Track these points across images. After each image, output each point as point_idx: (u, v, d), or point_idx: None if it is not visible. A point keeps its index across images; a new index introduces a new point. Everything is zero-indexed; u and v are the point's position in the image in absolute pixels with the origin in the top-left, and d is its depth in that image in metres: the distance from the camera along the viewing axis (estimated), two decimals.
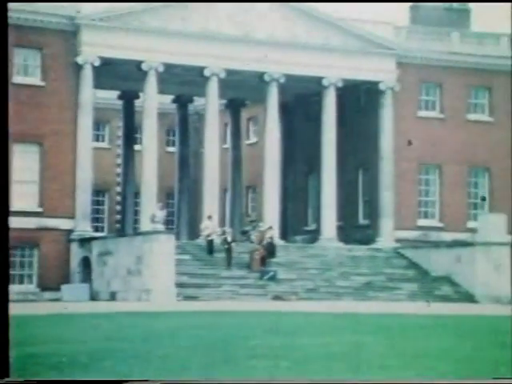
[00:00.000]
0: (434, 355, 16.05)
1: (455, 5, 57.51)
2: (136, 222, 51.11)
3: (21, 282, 46.00)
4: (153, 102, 48.95)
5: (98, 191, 55.75)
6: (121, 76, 49.72)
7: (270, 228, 47.11)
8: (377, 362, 14.77)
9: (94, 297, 43.90)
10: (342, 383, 7.59)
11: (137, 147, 53.47)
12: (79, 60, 47.06)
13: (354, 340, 19.04)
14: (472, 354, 16.38)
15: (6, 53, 10.31)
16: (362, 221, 53.39)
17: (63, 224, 46.73)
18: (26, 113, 46.15)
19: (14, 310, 32.73)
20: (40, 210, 46.71)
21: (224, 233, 46.83)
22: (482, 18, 59.54)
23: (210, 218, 47.61)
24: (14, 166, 46.50)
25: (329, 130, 50.75)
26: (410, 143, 50.68)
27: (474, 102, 54.53)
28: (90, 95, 47.81)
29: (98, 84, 48.31)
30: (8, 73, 11.15)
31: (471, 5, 58.29)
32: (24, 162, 46.65)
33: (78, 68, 47.16)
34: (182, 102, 56.06)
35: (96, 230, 51.63)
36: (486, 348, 17.81)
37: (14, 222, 45.93)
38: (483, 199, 51.78)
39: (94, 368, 13.35)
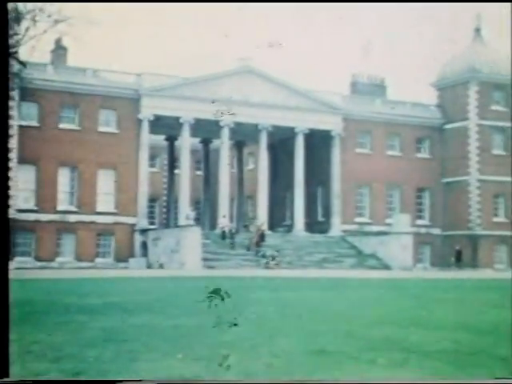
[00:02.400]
0: (367, 302, 16.20)
1: (378, 82, 57.79)
2: (176, 219, 51.08)
3: (103, 256, 46.06)
4: (187, 142, 49.05)
5: (152, 199, 55.69)
6: (166, 126, 49.71)
7: (262, 224, 47.28)
8: (330, 306, 14.90)
9: (149, 266, 43.92)
10: (342, 383, 6.47)
11: (176, 171, 53.50)
12: (140, 116, 47.13)
13: (316, 294, 19.18)
14: (389, 301, 16.58)
15: (7, 55, 7.89)
16: (320, 218, 53.41)
17: (130, 220, 46.72)
18: (106, 150, 46.38)
19: (99, 274, 32.82)
20: (115, 211, 46.68)
21: (231, 228, 47.05)
22: (396, 90, 60.05)
23: (224, 216, 47.76)
24: (98, 184, 46.75)
25: (299, 161, 50.92)
26: None
27: (391, 144, 54.64)
28: (147, 138, 47.83)
29: (152, 131, 48.29)
30: (8, 75, 8.15)
31: (387, 83, 58.72)
32: (105, 181, 46.73)
33: (139, 121, 47.23)
34: (206, 142, 56.12)
35: (151, 224, 51.63)
36: (397, 296, 18.01)
37: (100, 219, 46.59)
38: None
39: (150, 310, 13.35)
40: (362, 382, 6.43)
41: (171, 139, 54.55)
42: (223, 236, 45.63)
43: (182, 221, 45.58)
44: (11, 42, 18.45)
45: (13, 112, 42.30)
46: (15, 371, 7.12)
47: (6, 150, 6.95)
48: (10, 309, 13.58)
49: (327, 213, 52.39)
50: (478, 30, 56.05)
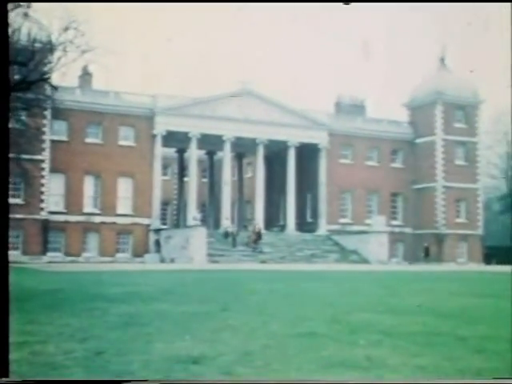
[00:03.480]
0: (349, 291, 16.22)
1: (358, 102, 57.81)
2: (185, 220, 51.01)
3: (123, 252, 46.02)
4: (194, 154, 49.11)
5: (164, 203, 55.60)
6: (177, 140, 49.74)
7: (257, 224, 47.37)
8: (318, 295, 14.89)
9: (162, 261, 43.87)
10: (342, 383, 6.00)
11: (185, 179, 53.48)
12: (154, 132, 47.17)
13: (306, 284, 19.16)
14: (368, 290, 16.62)
15: (7, 54, 6.97)
16: (309, 219, 53.40)
17: (145, 221, 46.69)
18: (128, 161, 46.50)
19: (120, 267, 32.70)
20: (133, 213, 46.68)
21: (232, 228, 47.03)
22: (373, 110, 60.08)
23: (226, 218, 47.77)
24: (118, 190, 46.74)
25: (291, 170, 50.97)
26: None
27: (370, 155, 54.69)
28: (160, 151, 47.86)
29: (165, 144, 48.37)
30: (8, 74, 7.13)
31: (366, 103, 58.67)
32: (124, 187, 46.76)
33: (153, 136, 47.29)
34: (211, 154, 56.09)
35: (163, 224, 51.54)
36: (374, 286, 18.04)
37: (120, 220, 46.46)
38: None
39: (162, 298, 13.26)
40: (362, 382, 6.03)
41: (181, 151, 54.57)
42: (226, 235, 45.64)
43: (190, 222, 45.56)
44: (45, 69, 18.53)
45: (46, 129, 42.35)
46: (49, 350, 7.15)
47: (6, 153, 6.55)
48: (45, 296, 13.61)
49: (315, 214, 52.40)
50: (442, 59, 56.48)
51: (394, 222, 54.29)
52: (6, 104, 6.73)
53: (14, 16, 18.61)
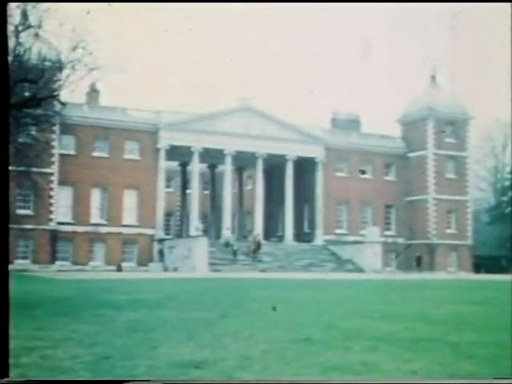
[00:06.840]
0: (344, 299, 16.18)
1: (353, 118, 57.85)
2: (187, 230, 50.87)
3: (128, 261, 45.82)
4: (196, 167, 49.10)
5: (168, 214, 55.41)
6: (180, 154, 49.73)
7: (257, 234, 47.29)
8: (315, 303, 14.83)
9: (165, 269, 43.73)
10: (342, 383, 5.77)
11: (188, 191, 53.41)
12: (158, 146, 47.20)
13: (303, 292, 19.13)
14: (362, 298, 16.55)
15: (6, 53, 6.55)
16: (306, 230, 53.27)
17: (149, 231, 46.59)
18: (131, 174, 46.45)
19: (127, 275, 32.58)
20: (138, 224, 46.60)
21: (232, 239, 46.92)
22: (368, 125, 60.05)
23: (227, 228, 47.72)
24: (124, 202, 46.68)
25: (289, 183, 50.93)
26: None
27: (364, 169, 54.73)
28: (164, 164, 47.82)
29: (168, 158, 48.33)
30: (8, 74, 6.47)
31: (360, 118, 58.66)
32: (130, 199, 46.69)
33: (158, 150, 47.33)
34: (212, 167, 56.08)
35: (167, 234, 51.36)
36: (369, 294, 17.98)
37: (125, 231, 46.27)
38: None
39: (167, 305, 13.21)
40: (362, 382, 5.88)
41: (184, 164, 54.55)
42: (226, 245, 45.54)
43: (192, 232, 45.45)
44: (54, 86, 18.61)
45: (54, 143, 42.41)
46: (58, 355, 7.14)
47: (7, 158, 6.46)
48: (54, 303, 13.58)
49: (312, 225, 52.32)
50: (433, 77, 56.76)
51: (388, 233, 54.25)
52: (6, 107, 6.52)
53: (26, 36, 18.69)
